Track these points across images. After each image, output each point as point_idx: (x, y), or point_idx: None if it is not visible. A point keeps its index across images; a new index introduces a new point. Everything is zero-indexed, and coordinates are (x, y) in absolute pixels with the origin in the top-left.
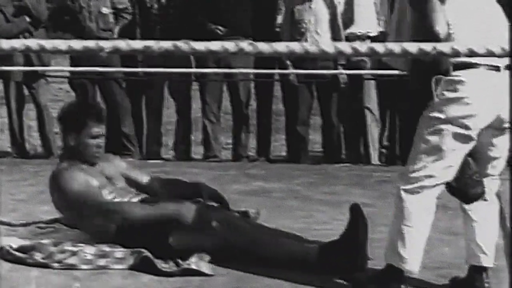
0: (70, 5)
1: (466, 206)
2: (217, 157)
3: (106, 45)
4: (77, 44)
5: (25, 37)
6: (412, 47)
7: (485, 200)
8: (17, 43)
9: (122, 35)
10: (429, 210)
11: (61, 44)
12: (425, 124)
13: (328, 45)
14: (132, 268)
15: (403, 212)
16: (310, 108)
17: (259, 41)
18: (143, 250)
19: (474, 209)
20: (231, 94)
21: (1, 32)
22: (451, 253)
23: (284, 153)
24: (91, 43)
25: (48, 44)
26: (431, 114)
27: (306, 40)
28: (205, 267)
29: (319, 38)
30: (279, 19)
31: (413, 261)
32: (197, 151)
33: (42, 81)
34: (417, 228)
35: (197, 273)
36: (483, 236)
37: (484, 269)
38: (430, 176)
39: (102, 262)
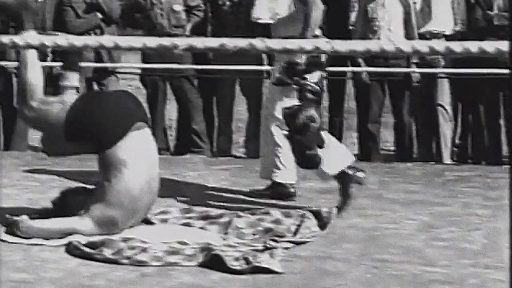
0: (142, 2)
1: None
2: None
3: (181, 42)
4: (152, 42)
5: (95, 34)
6: (489, 46)
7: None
8: (91, 40)
9: (194, 33)
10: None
11: (136, 41)
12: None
13: (404, 44)
14: (201, 265)
15: (275, 141)
16: (382, 106)
17: (332, 38)
18: (213, 247)
19: (279, 136)
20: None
21: (72, 28)
22: None
23: (356, 151)
24: (165, 41)
25: (122, 41)
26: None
27: (379, 38)
28: (276, 265)
29: (392, 36)
30: (353, 17)
31: (286, 173)
32: None
33: (113, 78)
34: (285, 148)
35: (267, 271)
36: (286, 157)
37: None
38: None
39: (171, 259)
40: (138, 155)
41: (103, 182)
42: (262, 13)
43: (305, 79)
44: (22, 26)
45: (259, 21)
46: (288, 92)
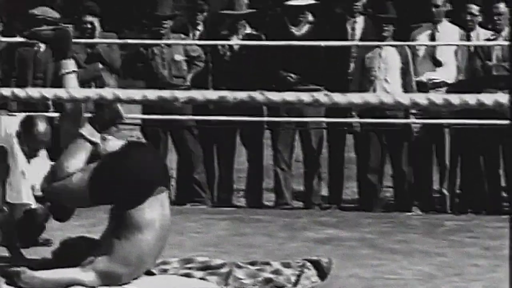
0: (143, 52)
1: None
2: (288, 205)
3: (181, 95)
4: (152, 94)
5: (96, 84)
6: (488, 99)
7: None
8: (92, 93)
9: (195, 82)
10: None
11: (136, 94)
12: None
13: (403, 96)
14: None
15: None
16: (382, 156)
17: (331, 88)
18: None
19: None
20: (303, 142)
21: None
22: None
23: (355, 201)
24: (165, 93)
25: (123, 94)
26: None
27: (374, 88)
28: None
29: (388, 86)
30: (351, 66)
31: None
32: (269, 198)
33: (113, 129)
34: None
35: None
36: None
37: None
38: None
39: None
40: (152, 219)
41: (112, 238)
42: None
43: None
44: (63, 56)
45: None
46: None
